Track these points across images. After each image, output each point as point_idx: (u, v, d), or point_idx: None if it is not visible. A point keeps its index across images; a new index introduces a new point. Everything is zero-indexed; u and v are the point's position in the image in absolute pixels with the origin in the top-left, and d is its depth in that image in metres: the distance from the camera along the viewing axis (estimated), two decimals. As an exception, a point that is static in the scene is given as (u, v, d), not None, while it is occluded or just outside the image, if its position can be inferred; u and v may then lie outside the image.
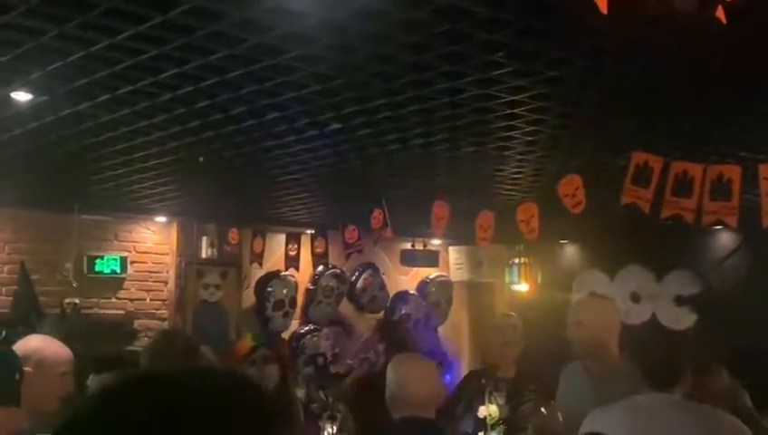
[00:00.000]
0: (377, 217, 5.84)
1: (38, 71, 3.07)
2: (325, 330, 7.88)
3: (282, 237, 7.32)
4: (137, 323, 6.97)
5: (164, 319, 7.16)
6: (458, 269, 8.99)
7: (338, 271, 7.92)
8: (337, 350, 7.83)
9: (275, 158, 4.65)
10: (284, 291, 7.54)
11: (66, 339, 3.12)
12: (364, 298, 8.25)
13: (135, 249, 7.09)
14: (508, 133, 4.00)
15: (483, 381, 4.64)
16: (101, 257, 6.80)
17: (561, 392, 3.98)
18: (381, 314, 8.43)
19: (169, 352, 3.36)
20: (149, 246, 7.18)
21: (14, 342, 3.00)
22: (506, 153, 4.47)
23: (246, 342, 7.01)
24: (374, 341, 8.18)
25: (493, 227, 5.32)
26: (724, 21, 2.09)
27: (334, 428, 5.36)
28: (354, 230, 6.39)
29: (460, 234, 7.18)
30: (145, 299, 7.12)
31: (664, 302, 7.14)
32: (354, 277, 8.17)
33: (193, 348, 3.51)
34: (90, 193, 5.96)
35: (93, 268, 6.74)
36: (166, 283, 7.24)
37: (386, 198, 5.72)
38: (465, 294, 9.25)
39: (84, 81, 3.19)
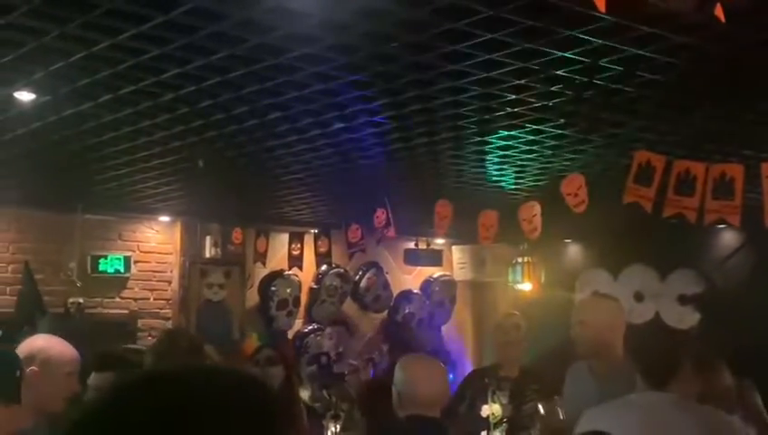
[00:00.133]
0: (380, 216, 5.83)
1: (40, 71, 3.08)
2: (328, 329, 7.88)
3: (285, 237, 7.31)
4: (140, 323, 6.99)
5: (168, 318, 7.16)
6: (462, 268, 8.98)
7: (341, 270, 7.91)
8: (340, 349, 7.84)
9: (278, 157, 4.66)
10: (288, 290, 7.54)
11: (66, 338, 3.12)
12: (368, 297, 8.25)
13: (139, 249, 7.09)
14: (510, 133, 4.00)
15: (486, 380, 4.64)
16: (105, 257, 6.80)
17: (567, 392, 3.97)
18: (385, 313, 8.43)
19: (174, 351, 3.35)
20: (153, 246, 7.18)
21: (18, 341, 3.01)
22: (509, 152, 4.47)
23: (252, 342, 7.02)
24: (378, 341, 8.19)
25: (496, 226, 5.30)
26: (722, 20, 2.09)
27: (338, 427, 5.35)
28: (357, 229, 6.39)
29: (463, 233, 7.17)
30: (149, 299, 7.13)
31: (667, 301, 7.12)
32: (358, 276, 8.16)
33: (197, 347, 3.50)
34: (93, 193, 5.98)
35: (97, 268, 6.74)
36: (169, 282, 7.24)
37: (389, 198, 5.72)
38: (468, 293, 9.24)
39: (86, 81, 3.20)
